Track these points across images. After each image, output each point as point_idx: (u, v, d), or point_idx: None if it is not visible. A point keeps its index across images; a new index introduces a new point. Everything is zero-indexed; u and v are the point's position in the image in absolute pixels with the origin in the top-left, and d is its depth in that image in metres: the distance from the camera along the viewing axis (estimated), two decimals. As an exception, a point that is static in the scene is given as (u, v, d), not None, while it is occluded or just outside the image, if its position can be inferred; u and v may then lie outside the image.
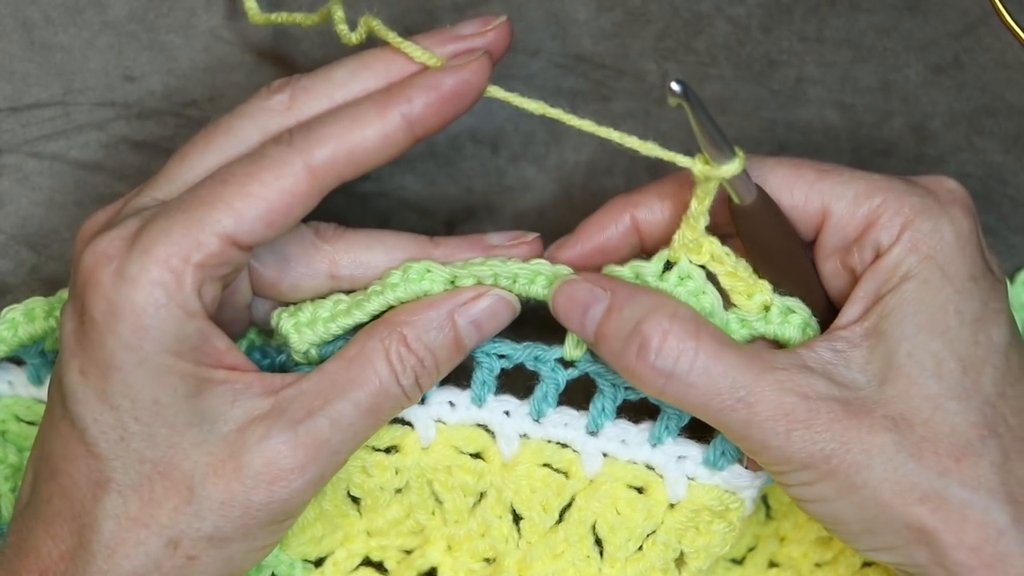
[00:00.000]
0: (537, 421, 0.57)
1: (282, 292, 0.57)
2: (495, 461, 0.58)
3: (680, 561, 0.58)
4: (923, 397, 0.52)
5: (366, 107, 0.54)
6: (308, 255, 0.57)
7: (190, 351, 0.52)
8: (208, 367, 0.53)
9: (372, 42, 0.56)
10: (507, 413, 0.58)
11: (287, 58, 0.65)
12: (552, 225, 0.64)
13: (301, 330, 0.56)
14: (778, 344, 0.55)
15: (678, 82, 0.49)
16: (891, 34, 0.65)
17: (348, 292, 0.57)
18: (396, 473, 0.58)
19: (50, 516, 0.53)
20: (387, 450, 0.58)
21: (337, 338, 0.56)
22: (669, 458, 0.57)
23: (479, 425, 0.58)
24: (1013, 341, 0.53)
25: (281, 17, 0.60)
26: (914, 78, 0.65)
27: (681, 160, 0.53)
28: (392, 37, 0.55)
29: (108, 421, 0.52)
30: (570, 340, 0.56)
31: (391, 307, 0.55)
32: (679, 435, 0.57)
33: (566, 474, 0.58)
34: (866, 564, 0.61)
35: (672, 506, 0.57)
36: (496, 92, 0.55)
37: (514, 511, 0.58)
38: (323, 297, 0.57)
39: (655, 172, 0.64)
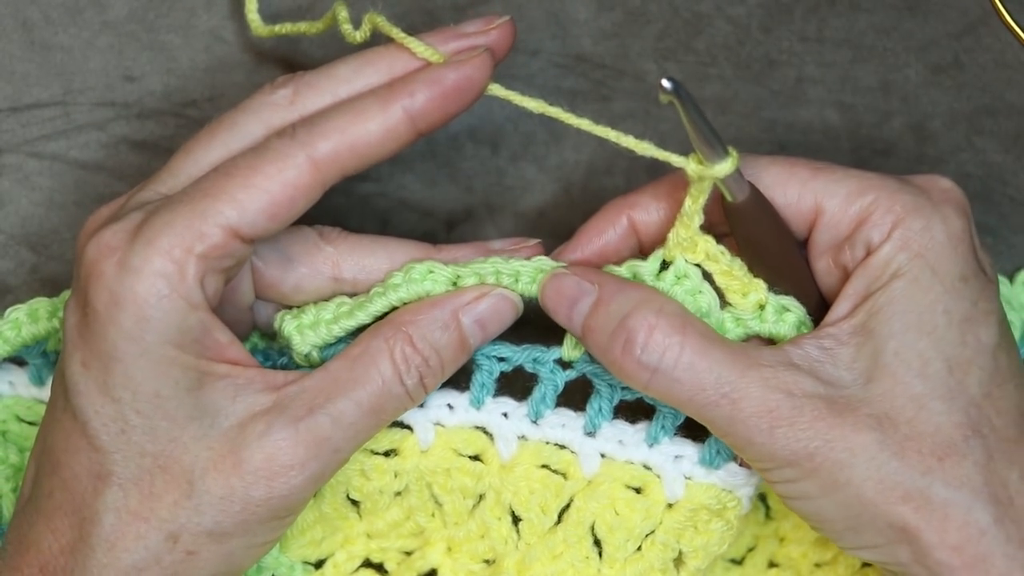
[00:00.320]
0: (535, 423, 0.58)
1: (284, 293, 0.57)
2: (494, 463, 0.58)
3: (679, 561, 0.58)
4: (908, 396, 0.52)
5: (369, 101, 0.54)
6: (311, 256, 0.57)
7: (192, 343, 0.52)
8: (210, 360, 0.53)
9: (376, 41, 0.56)
10: (505, 415, 0.58)
11: (287, 58, 0.65)
12: (552, 225, 0.64)
13: (304, 332, 0.56)
14: (773, 343, 0.55)
15: (669, 79, 0.49)
16: (891, 34, 0.65)
17: (351, 295, 0.57)
18: (395, 476, 0.58)
19: (51, 510, 0.53)
20: (386, 453, 0.58)
21: (339, 340, 0.56)
22: (666, 458, 0.57)
23: (477, 427, 0.58)
24: (1002, 342, 0.53)
25: (285, 28, 0.60)
26: (914, 78, 0.65)
27: (675, 160, 0.53)
28: (396, 33, 0.55)
29: (109, 414, 0.52)
30: (568, 341, 0.56)
31: (394, 308, 0.55)
32: (675, 434, 0.57)
33: (564, 475, 0.58)
34: (866, 564, 0.61)
35: (670, 506, 0.57)
36: (497, 90, 0.55)
37: (513, 512, 0.58)
38: (326, 300, 0.57)
39: (655, 172, 0.64)
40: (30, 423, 0.62)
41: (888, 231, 0.53)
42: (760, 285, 0.55)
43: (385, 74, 0.55)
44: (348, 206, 0.64)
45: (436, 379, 0.55)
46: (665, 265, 0.55)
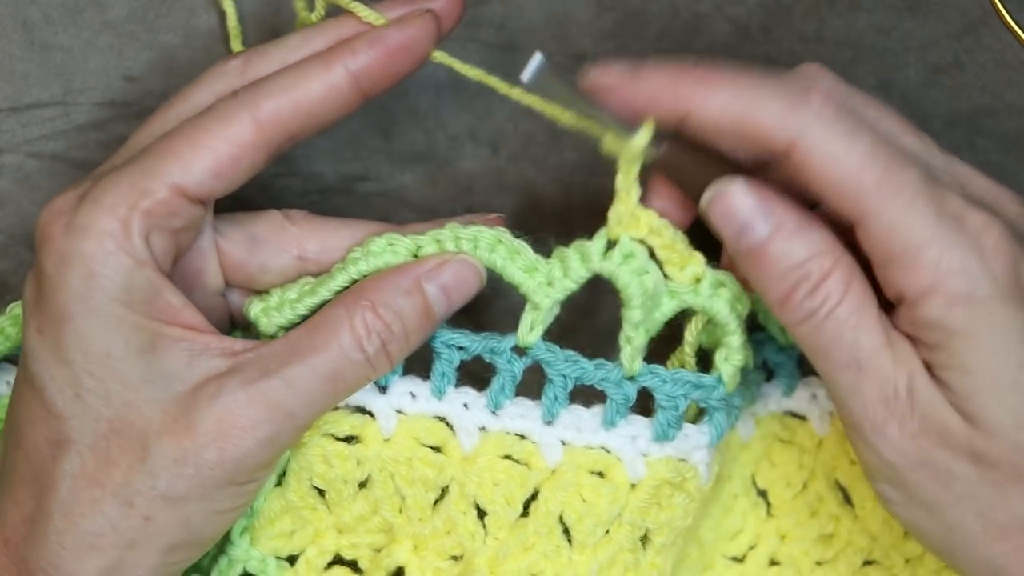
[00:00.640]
0: (494, 413, 0.58)
1: (251, 274, 0.58)
2: (455, 454, 0.58)
3: (645, 539, 0.58)
4: (1009, 444, 0.51)
5: (311, 61, 0.55)
6: (276, 236, 0.58)
7: (141, 303, 0.52)
8: (162, 323, 0.53)
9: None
10: (465, 406, 0.58)
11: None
12: (552, 225, 0.64)
13: (269, 313, 0.56)
14: None
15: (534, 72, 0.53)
16: (891, 34, 0.65)
17: (316, 275, 0.57)
18: (358, 464, 0.58)
19: (15, 482, 0.53)
20: (348, 440, 0.58)
21: (303, 319, 0.56)
22: (624, 439, 0.57)
23: (438, 418, 0.58)
24: None
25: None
26: (914, 78, 0.65)
27: (608, 139, 0.55)
28: (343, 1, 0.56)
29: (64, 378, 0.52)
30: (524, 325, 0.56)
31: (355, 283, 0.56)
32: (628, 413, 0.57)
33: (527, 465, 0.58)
34: (867, 563, 0.61)
35: (633, 486, 0.57)
36: (441, 57, 0.57)
37: (478, 507, 0.58)
38: (292, 282, 0.57)
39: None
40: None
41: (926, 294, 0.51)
42: (698, 258, 0.56)
43: (333, 41, 0.56)
44: (348, 206, 0.64)
45: (400, 346, 0.55)
46: (612, 244, 0.55)
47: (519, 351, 0.57)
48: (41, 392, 0.52)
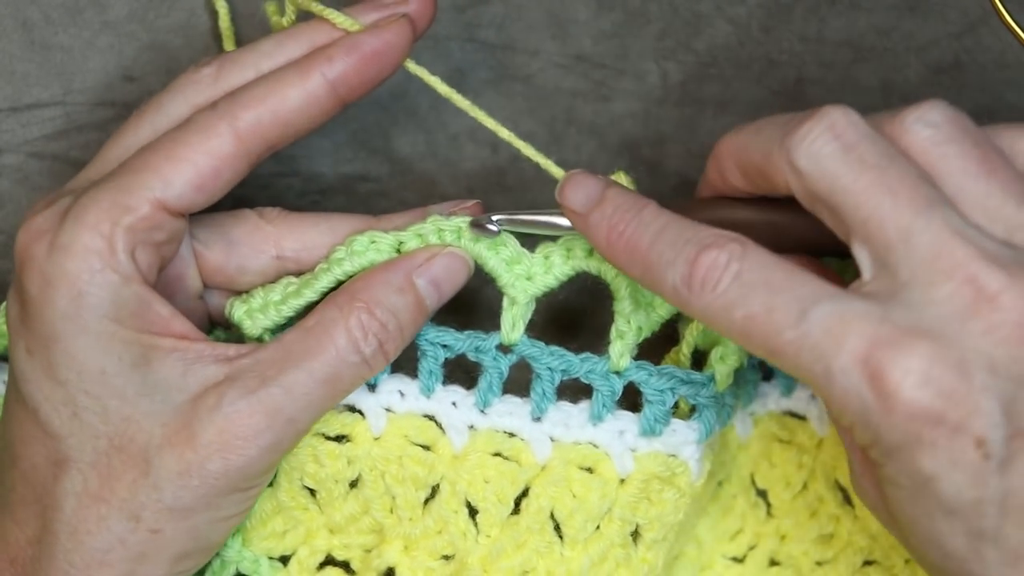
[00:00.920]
0: (483, 412, 0.58)
1: (230, 276, 0.57)
2: (445, 453, 0.58)
3: (636, 534, 0.58)
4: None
5: (287, 69, 0.55)
6: (253, 236, 0.57)
7: (131, 317, 0.52)
8: (153, 335, 0.53)
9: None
10: (454, 404, 0.58)
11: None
12: (552, 225, 0.64)
13: (254, 316, 0.56)
14: None
15: (488, 221, 0.55)
16: (891, 34, 0.65)
17: (296, 274, 0.57)
18: (348, 463, 0.58)
19: (15, 503, 0.53)
20: (338, 439, 0.58)
21: (289, 321, 0.56)
22: (611, 434, 0.57)
23: (428, 416, 0.58)
24: None
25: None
26: (914, 78, 0.65)
27: (554, 170, 0.57)
28: (315, 6, 0.56)
29: (59, 397, 0.52)
30: (505, 323, 0.57)
31: (341, 283, 0.56)
32: (615, 408, 0.58)
33: (517, 462, 0.58)
34: (867, 563, 0.61)
35: (622, 481, 0.57)
36: (412, 67, 0.57)
37: (469, 505, 0.58)
38: (272, 282, 0.57)
39: (655, 172, 0.65)
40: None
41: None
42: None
43: (307, 46, 0.56)
44: (348, 206, 0.64)
45: (396, 344, 0.55)
46: None
47: (504, 349, 0.57)
48: (35, 412, 0.52)
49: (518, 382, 0.58)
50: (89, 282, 0.51)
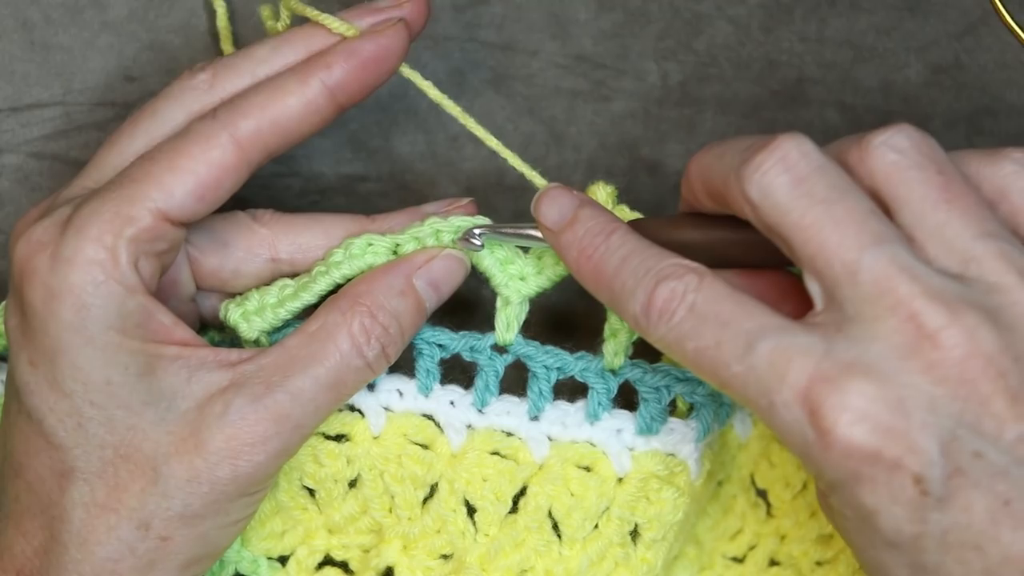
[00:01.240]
0: (481, 411, 0.58)
1: (224, 279, 0.57)
2: (444, 452, 0.58)
3: (635, 533, 0.58)
4: None
5: (287, 77, 0.55)
6: (246, 239, 0.57)
7: (135, 328, 0.52)
8: (157, 344, 0.53)
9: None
10: (452, 403, 0.58)
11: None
12: (552, 225, 0.64)
13: (249, 319, 0.56)
14: None
15: (472, 235, 0.56)
16: (891, 34, 0.65)
17: (291, 276, 0.57)
18: (348, 463, 0.58)
19: (19, 514, 0.53)
20: (337, 438, 0.58)
21: (286, 324, 0.56)
22: (608, 433, 0.58)
23: (426, 416, 0.58)
24: None
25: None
26: (914, 78, 0.65)
27: (538, 180, 0.57)
28: (310, 12, 0.56)
29: (64, 409, 0.52)
30: (500, 323, 0.57)
31: (339, 286, 0.56)
32: (612, 407, 0.58)
33: (515, 461, 0.58)
34: (867, 564, 0.61)
35: (620, 480, 0.58)
36: (406, 71, 0.57)
37: (468, 504, 0.58)
38: (267, 284, 0.57)
39: (655, 173, 0.64)
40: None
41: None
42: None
43: (303, 51, 0.56)
44: (348, 206, 0.64)
45: (398, 346, 0.55)
46: None
47: (499, 348, 0.57)
48: (40, 424, 0.52)
49: (516, 382, 0.58)
50: (94, 294, 0.51)
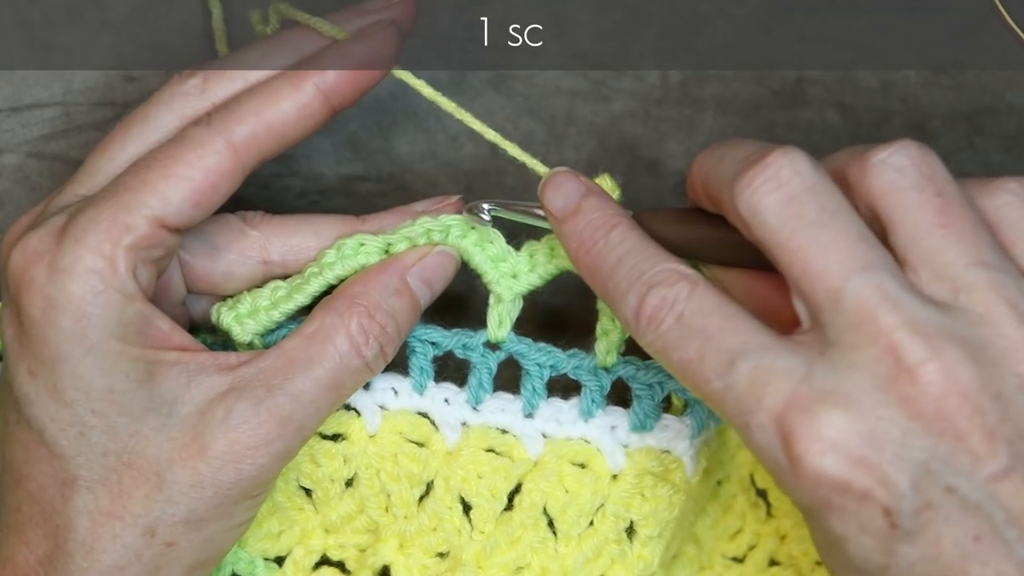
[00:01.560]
0: (475, 408, 0.58)
1: (216, 283, 0.57)
2: (439, 449, 0.58)
3: (631, 530, 0.58)
4: None
5: (281, 82, 0.54)
6: (238, 242, 0.57)
7: (135, 335, 0.52)
8: (157, 350, 0.53)
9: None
10: (447, 401, 0.58)
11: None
12: (552, 225, 0.64)
13: (243, 321, 0.56)
14: None
15: (481, 210, 0.56)
16: (891, 34, 0.65)
17: (283, 278, 0.57)
18: (344, 462, 0.58)
19: (21, 523, 0.53)
20: (334, 438, 0.58)
21: (280, 326, 0.56)
22: (602, 430, 0.58)
23: (421, 413, 0.58)
24: None
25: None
26: (914, 78, 0.65)
27: (540, 168, 0.57)
28: (301, 15, 0.56)
29: (65, 418, 0.52)
30: (492, 321, 0.57)
31: (332, 287, 0.56)
32: (606, 404, 0.58)
33: (510, 458, 0.58)
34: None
35: (615, 477, 0.58)
36: (399, 72, 0.57)
37: (463, 501, 0.58)
38: (259, 286, 0.57)
39: (655, 172, 0.64)
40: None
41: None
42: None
43: (294, 55, 0.56)
44: (348, 206, 0.64)
45: (395, 345, 0.55)
46: None
47: (492, 346, 0.58)
48: (41, 434, 0.52)
49: (510, 380, 0.58)
50: (93, 303, 0.51)
